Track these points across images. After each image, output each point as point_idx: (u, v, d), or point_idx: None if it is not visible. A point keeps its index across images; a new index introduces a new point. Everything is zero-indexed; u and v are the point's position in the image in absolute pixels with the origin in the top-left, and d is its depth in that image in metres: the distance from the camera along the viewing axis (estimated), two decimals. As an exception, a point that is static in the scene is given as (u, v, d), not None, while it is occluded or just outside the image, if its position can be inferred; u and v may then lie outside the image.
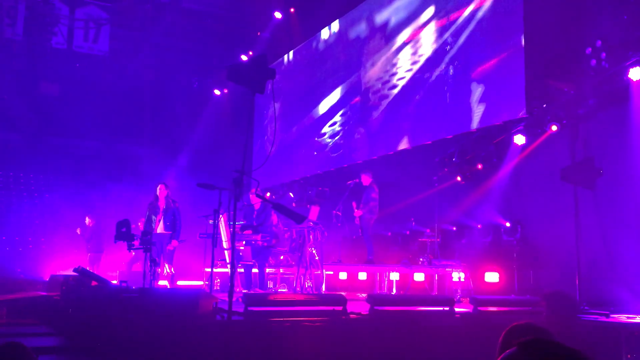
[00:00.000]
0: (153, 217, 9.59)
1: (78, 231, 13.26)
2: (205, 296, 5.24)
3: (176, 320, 4.92)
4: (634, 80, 7.45)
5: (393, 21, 11.85)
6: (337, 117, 13.47)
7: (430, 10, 10.85)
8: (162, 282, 9.73)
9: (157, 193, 9.70)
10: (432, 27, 10.74)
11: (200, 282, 10.74)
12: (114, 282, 10.18)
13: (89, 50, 14.68)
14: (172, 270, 9.58)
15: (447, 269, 9.45)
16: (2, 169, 14.85)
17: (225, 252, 10.29)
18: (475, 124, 9.63)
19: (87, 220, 13.30)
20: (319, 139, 14.02)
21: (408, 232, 11.17)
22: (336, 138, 13.44)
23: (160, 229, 9.53)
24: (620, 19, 7.70)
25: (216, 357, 4.65)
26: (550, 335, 2.15)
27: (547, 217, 9.30)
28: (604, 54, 7.62)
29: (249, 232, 9.24)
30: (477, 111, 9.58)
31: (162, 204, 9.62)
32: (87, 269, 12.67)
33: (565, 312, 4.49)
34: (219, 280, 10.69)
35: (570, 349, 1.51)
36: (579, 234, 8.31)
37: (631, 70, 7.43)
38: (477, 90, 9.61)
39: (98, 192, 14.45)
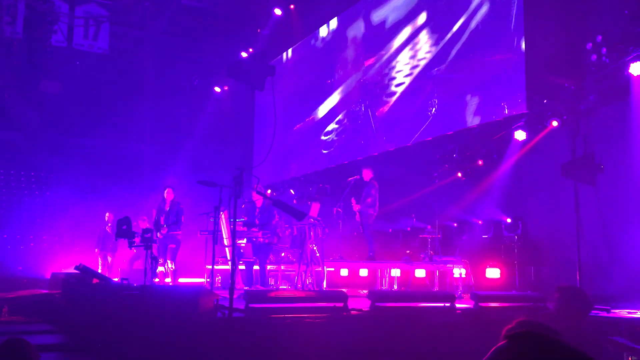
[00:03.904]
0: (159, 217, 10.00)
1: (108, 228, 13.32)
2: (206, 293, 5.24)
3: (177, 317, 4.92)
4: (635, 75, 7.43)
5: (391, 19, 11.83)
6: (338, 114, 13.46)
7: (429, 7, 10.83)
8: (167, 280, 9.85)
9: (165, 196, 10.10)
10: (432, 22, 10.73)
11: (202, 279, 10.76)
12: (115, 279, 10.21)
13: (89, 48, 14.67)
14: (173, 266, 9.74)
15: (448, 265, 9.45)
16: (3, 167, 14.86)
17: (226, 249, 10.30)
18: (475, 120, 9.63)
19: (107, 215, 13.36)
20: (320, 136, 14.02)
21: (409, 229, 11.17)
22: (336, 135, 13.43)
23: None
24: (621, 14, 7.68)
25: (217, 354, 4.66)
26: (557, 333, 2.13)
27: (548, 212, 9.30)
28: (604, 49, 7.61)
29: (255, 229, 9.25)
30: (478, 107, 9.57)
31: (167, 207, 10.01)
32: (99, 267, 12.86)
33: (578, 308, 4.48)
34: (219, 277, 10.71)
35: (561, 342, 1.50)
36: (580, 230, 8.30)
37: (632, 65, 7.41)
38: (478, 87, 9.60)
39: (99, 190, 14.46)
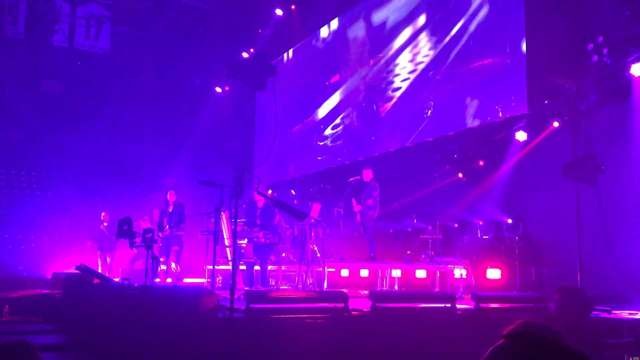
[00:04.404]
0: (162, 219, 10.28)
1: (103, 227, 13.28)
2: (207, 293, 5.24)
3: (178, 317, 4.93)
4: (636, 76, 7.43)
5: (392, 20, 11.84)
6: (339, 115, 13.46)
7: (430, 9, 10.83)
8: (168, 280, 9.92)
9: (167, 197, 10.35)
10: (432, 24, 10.73)
11: (202, 280, 10.76)
12: (116, 279, 10.22)
13: (90, 48, 14.69)
14: (178, 268, 9.92)
15: (448, 266, 9.45)
16: (4, 167, 14.87)
17: (227, 249, 10.31)
18: (476, 120, 9.63)
19: (103, 215, 13.34)
20: (320, 136, 14.02)
21: (410, 229, 11.16)
22: (337, 135, 13.44)
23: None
24: (622, 15, 7.68)
25: (218, 354, 4.66)
26: (557, 334, 2.13)
27: (549, 213, 9.29)
28: (605, 50, 7.61)
29: (256, 230, 9.26)
30: (478, 108, 9.57)
31: (170, 208, 10.29)
32: (100, 267, 12.90)
33: (579, 309, 4.46)
34: (220, 277, 10.72)
35: (559, 342, 1.51)
36: (581, 230, 8.29)
37: (633, 66, 7.41)
38: (479, 87, 9.60)
39: (100, 190, 14.47)
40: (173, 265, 10.10)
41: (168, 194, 10.34)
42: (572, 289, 4.91)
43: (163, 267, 10.09)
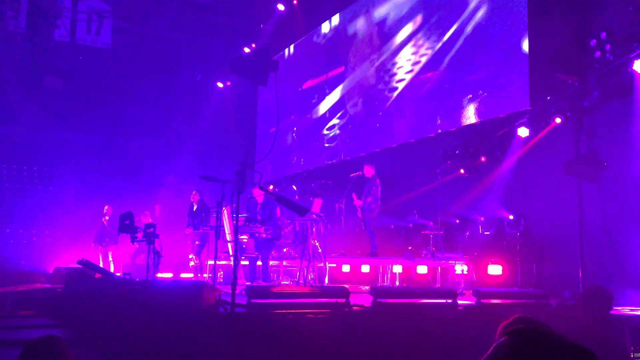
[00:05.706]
0: (189, 218, 10.89)
1: (104, 220, 13.25)
2: (208, 288, 5.24)
3: (179, 312, 4.93)
4: (639, 72, 7.40)
5: (393, 15, 11.81)
6: (340, 110, 13.45)
7: (432, 4, 10.80)
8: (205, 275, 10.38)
9: (191, 199, 10.91)
10: (434, 18, 10.70)
11: (204, 275, 10.79)
12: (118, 274, 10.25)
13: (92, 42, 14.66)
14: (194, 259, 10.59)
15: (450, 262, 9.45)
16: (6, 162, 14.88)
17: (229, 244, 10.34)
18: (478, 116, 9.61)
19: (106, 208, 13.31)
20: (322, 132, 14.01)
21: (411, 225, 11.16)
22: (339, 131, 13.42)
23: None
24: (625, 11, 7.65)
25: (219, 349, 4.66)
26: (548, 328, 2.15)
27: (551, 210, 9.27)
28: (608, 46, 7.57)
29: (257, 225, 9.29)
30: (480, 104, 9.55)
31: (195, 207, 10.85)
32: (99, 261, 12.98)
33: (599, 308, 4.47)
34: (222, 272, 10.75)
35: (559, 336, 1.51)
36: (583, 227, 8.28)
37: (636, 62, 7.37)
38: (481, 83, 9.58)
39: (102, 185, 14.48)
40: (193, 257, 10.60)
41: (191, 195, 10.89)
42: (593, 289, 4.92)
43: (192, 262, 10.73)
